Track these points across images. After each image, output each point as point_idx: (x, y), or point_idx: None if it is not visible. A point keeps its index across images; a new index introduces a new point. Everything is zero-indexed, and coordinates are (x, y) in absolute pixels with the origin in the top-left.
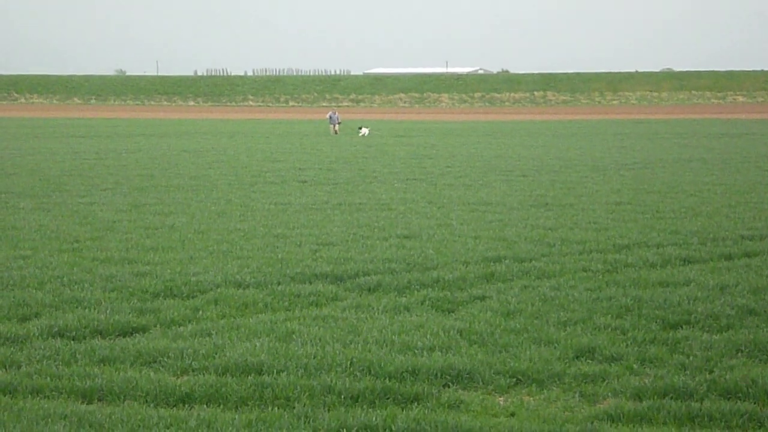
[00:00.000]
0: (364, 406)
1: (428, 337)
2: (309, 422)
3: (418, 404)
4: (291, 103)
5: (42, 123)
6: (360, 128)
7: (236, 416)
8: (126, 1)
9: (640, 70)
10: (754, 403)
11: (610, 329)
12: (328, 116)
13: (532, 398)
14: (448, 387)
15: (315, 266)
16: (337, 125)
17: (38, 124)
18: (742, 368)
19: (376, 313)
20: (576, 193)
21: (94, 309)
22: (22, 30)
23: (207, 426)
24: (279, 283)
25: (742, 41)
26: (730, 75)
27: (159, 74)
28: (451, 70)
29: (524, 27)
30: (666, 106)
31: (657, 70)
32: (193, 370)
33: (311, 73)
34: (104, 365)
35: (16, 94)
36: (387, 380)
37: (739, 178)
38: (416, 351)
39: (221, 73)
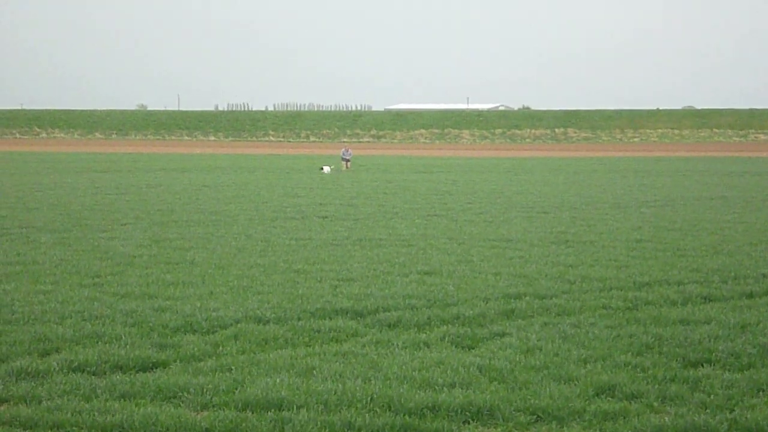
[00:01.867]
0: None
1: (448, 373)
2: None
3: None
4: (312, 139)
5: (63, 157)
6: (322, 168)
7: None
8: (147, 36)
9: (662, 107)
10: None
11: (630, 367)
12: (341, 152)
13: None
14: (469, 423)
15: (335, 302)
16: (347, 162)
17: (60, 158)
18: (763, 407)
19: (397, 349)
20: (596, 231)
21: (115, 344)
22: (44, 65)
23: None
24: (299, 319)
25: (764, 80)
26: (752, 113)
27: (180, 109)
28: (472, 106)
29: (545, 64)
30: (687, 143)
31: (678, 107)
32: (213, 406)
33: (332, 109)
34: (124, 400)
35: (38, 129)
36: (407, 417)
37: (761, 217)
38: (436, 387)
39: (242, 108)
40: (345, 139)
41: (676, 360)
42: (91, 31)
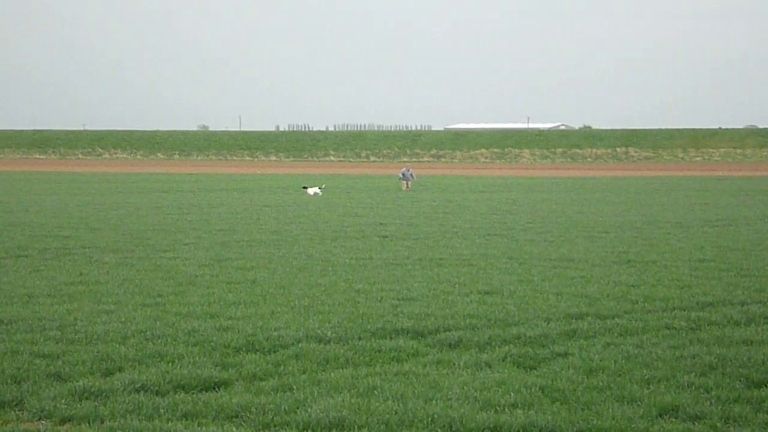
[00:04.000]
0: None
1: (510, 394)
2: None
3: None
4: (372, 158)
5: (125, 178)
6: (305, 188)
7: None
8: (209, 57)
9: (724, 126)
10: None
11: (693, 387)
12: (401, 173)
13: None
14: None
15: (396, 321)
16: (409, 181)
17: (122, 179)
18: None
19: (458, 369)
20: (659, 250)
21: (177, 363)
22: (106, 86)
23: None
24: (360, 338)
25: None
26: None
27: (241, 129)
28: (532, 125)
29: (606, 82)
30: (750, 163)
31: (741, 126)
32: (274, 426)
33: (392, 129)
34: (187, 420)
35: (100, 149)
36: None
37: None
38: (498, 408)
39: (303, 128)
40: (405, 159)
41: (740, 380)
42: (153, 53)
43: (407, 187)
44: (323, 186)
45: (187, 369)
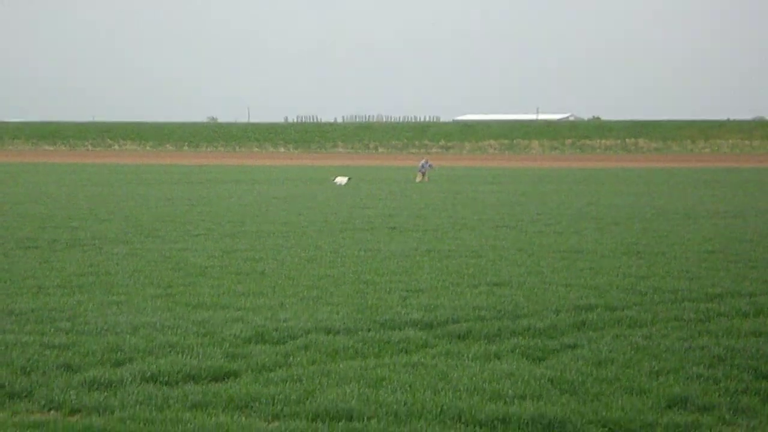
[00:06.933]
0: None
1: (519, 385)
2: None
3: None
4: (380, 150)
5: (135, 169)
6: (335, 178)
7: None
8: (217, 49)
9: (732, 118)
10: None
11: (702, 379)
12: (420, 164)
13: None
14: None
15: (405, 313)
16: (426, 173)
17: (131, 170)
18: None
19: (466, 361)
20: (668, 242)
21: (187, 354)
22: (115, 78)
23: None
24: (369, 330)
25: None
26: None
27: (250, 121)
28: (541, 116)
29: (615, 74)
30: (758, 154)
31: (749, 118)
32: (284, 416)
33: (401, 120)
34: (196, 410)
35: (110, 141)
36: (478, 428)
37: None
38: (507, 399)
39: (311, 120)
40: (413, 150)
41: (748, 372)
42: (162, 45)
43: (422, 179)
44: (350, 178)
45: (197, 360)
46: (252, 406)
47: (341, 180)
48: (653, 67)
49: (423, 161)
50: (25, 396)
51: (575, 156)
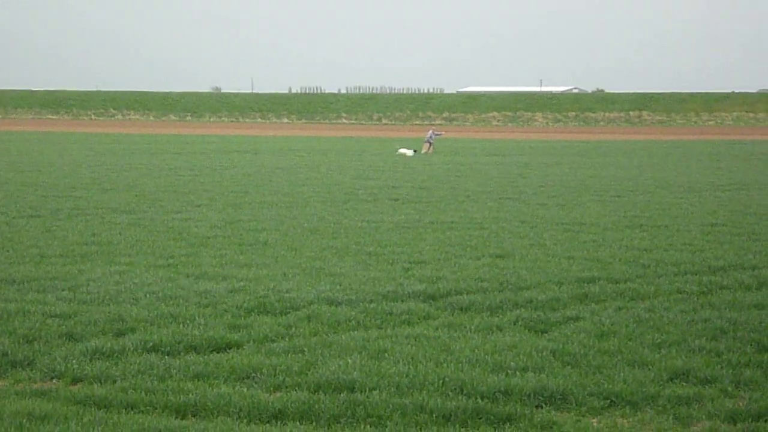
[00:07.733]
0: (456, 426)
1: (521, 357)
2: None
3: (511, 425)
4: (384, 121)
5: (138, 139)
6: (400, 149)
7: None
8: (221, 18)
9: (736, 90)
10: None
11: (704, 351)
12: (428, 134)
13: (625, 420)
14: (541, 408)
15: (407, 284)
16: (431, 145)
17: (134, 139)
18: None
19: (469, 333)
20: (671, 215)
21: (189, 324)
22: (118, 47)
23: None
24: (371, 301)
25: None
26: None
27: (254, 91)
28: (545, 89)
29: (619, 46)
30: (762, 127)
31: (753, 91)
32: (285, 387)
33: (404, 92)
34: (198, 381)
35: (113, 110)
36: (479, 400)
37: None
38: (509, 371)
39: (315, 91)
40: (417, 122)
41: (751, 345)
42: (165, 13)
43: (428, 149)
44: (416, 150)
45: (199, 330)
46: (254, 377)
47: (407, 151)
48: (656, 39)
49: (429, 132)
50: (27, 365)
51: (579, 128)
